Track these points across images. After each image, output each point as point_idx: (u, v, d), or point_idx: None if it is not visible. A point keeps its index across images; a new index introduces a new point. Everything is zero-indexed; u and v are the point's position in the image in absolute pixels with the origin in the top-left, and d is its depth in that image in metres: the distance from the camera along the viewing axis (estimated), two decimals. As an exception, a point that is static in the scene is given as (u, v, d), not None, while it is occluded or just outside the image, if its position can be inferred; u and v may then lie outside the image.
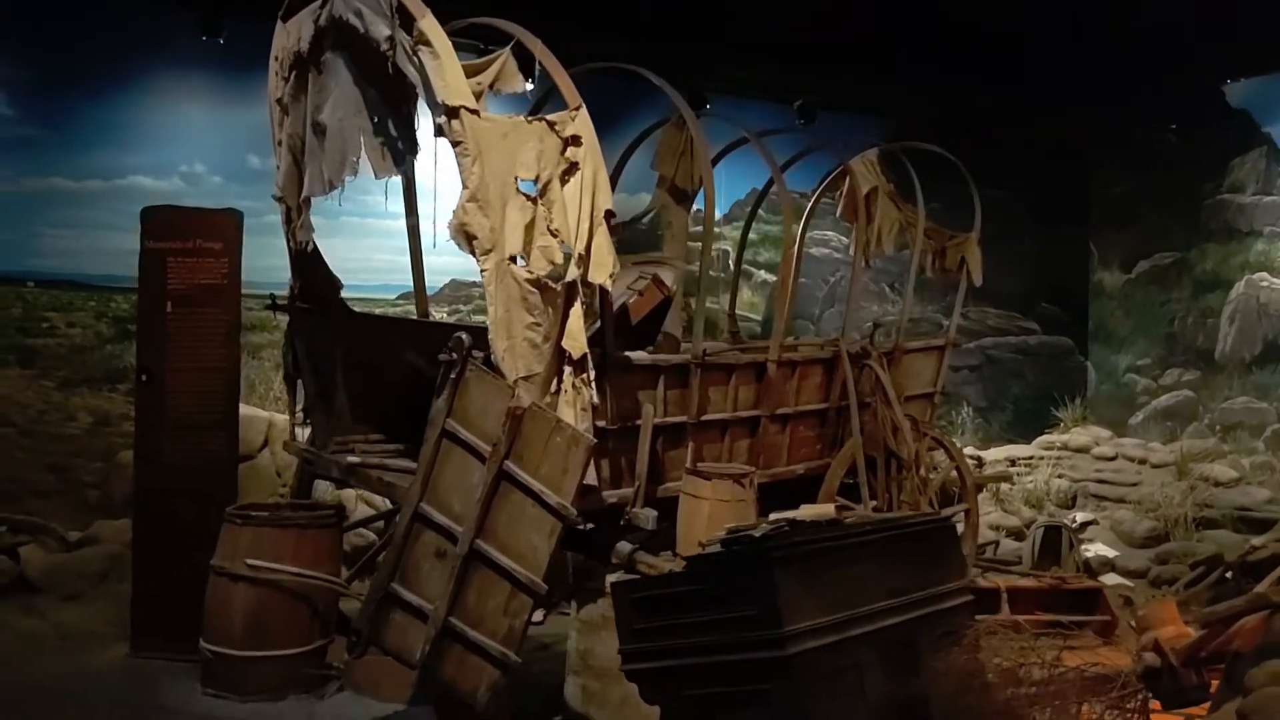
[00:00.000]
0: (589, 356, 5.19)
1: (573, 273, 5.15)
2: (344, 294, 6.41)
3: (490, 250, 4.89)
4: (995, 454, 11.41)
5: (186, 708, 5.85)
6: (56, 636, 7.05)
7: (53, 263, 8.58)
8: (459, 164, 4.82)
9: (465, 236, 4.84)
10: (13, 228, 8.48)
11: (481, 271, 4.90)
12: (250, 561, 5.86)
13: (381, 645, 5.27)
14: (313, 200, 5.40)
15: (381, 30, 4.89)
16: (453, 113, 4.75)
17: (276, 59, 5.55)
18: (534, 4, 8.68)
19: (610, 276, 5.32)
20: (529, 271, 4.99)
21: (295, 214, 5.53)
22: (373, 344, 6.28)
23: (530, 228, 5.04)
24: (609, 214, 5.33)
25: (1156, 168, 11.74)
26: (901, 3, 10.27)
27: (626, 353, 5.96)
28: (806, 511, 4.35)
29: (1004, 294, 11.89)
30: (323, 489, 7.82)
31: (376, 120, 5.16)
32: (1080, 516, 10.75)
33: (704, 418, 6.39)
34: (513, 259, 4.99)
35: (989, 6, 10.26)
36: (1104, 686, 3.60)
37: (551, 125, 5.16)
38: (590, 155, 5.26)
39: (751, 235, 10.29)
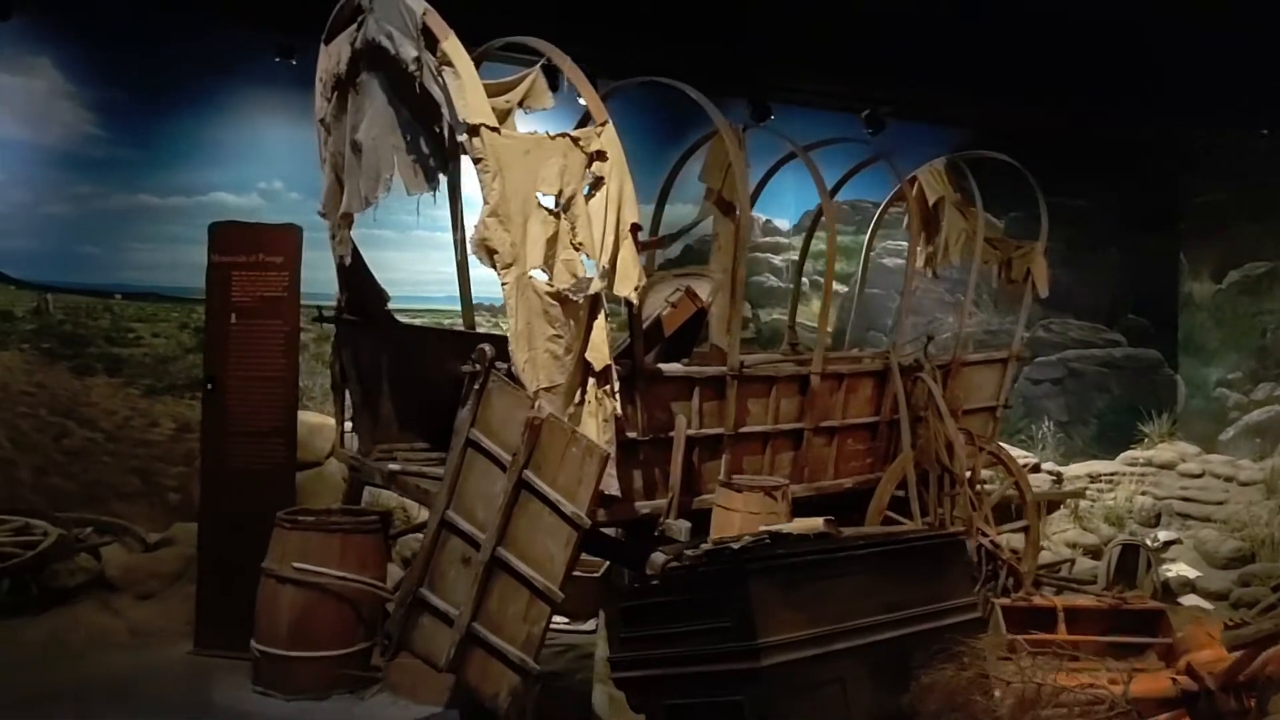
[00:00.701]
0: (611, 368, 5.25)
1: (597, 286, 5.23)
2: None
3: (511, 264, 4.99)
4: (1076, 469, 11.13)
5: (235, 705, 6.09)
6: (128, 633, 7.41)
7: (139, 276, 9.00)
8: (480, 180, 4.93)
9: (486, 251, 4.95)
10: (102, 243, 8.93)
11: (502, 285, 5.01)
12: (296, 565, 6.09)
13: (411, 649, 5.39)
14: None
15: (409, 51, 5.04)
16: (473, 131, 4.86)
17: (321, 80, 5.76)
18: (602, 15, 8.88)
19: (635, 289, 5.37)
20: (550, 285, 5.08)
21: (336, 230, 5.72)
22: (417, 354, 6.45)
23: (553, 242, 5.13)
24: (635, 227, 5.39)
25: (1247, 175, 11.31)
26: (979, 11, 10.13)
27: (659, 365, 6.02)
28: (796, 525, 4.34)
29: (1088, 305, 11.61)
30: (385, 497, 8.04)
31: (409, 139, 5.31)
32: (1163, 535, 10.43)
33: (742, 430, 6.40)
34: (534, 273, 5.09)
35: (1070, 13, 10.05)
36: (1094, 708, 3.51)
37: (576, 141, 5.25)
38: (616, 170, 5.33)
39: (822, 246, 10.24)
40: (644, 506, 5.92)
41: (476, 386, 5.12)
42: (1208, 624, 6.27)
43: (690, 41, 9.58)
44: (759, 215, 10.69)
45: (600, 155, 5.31)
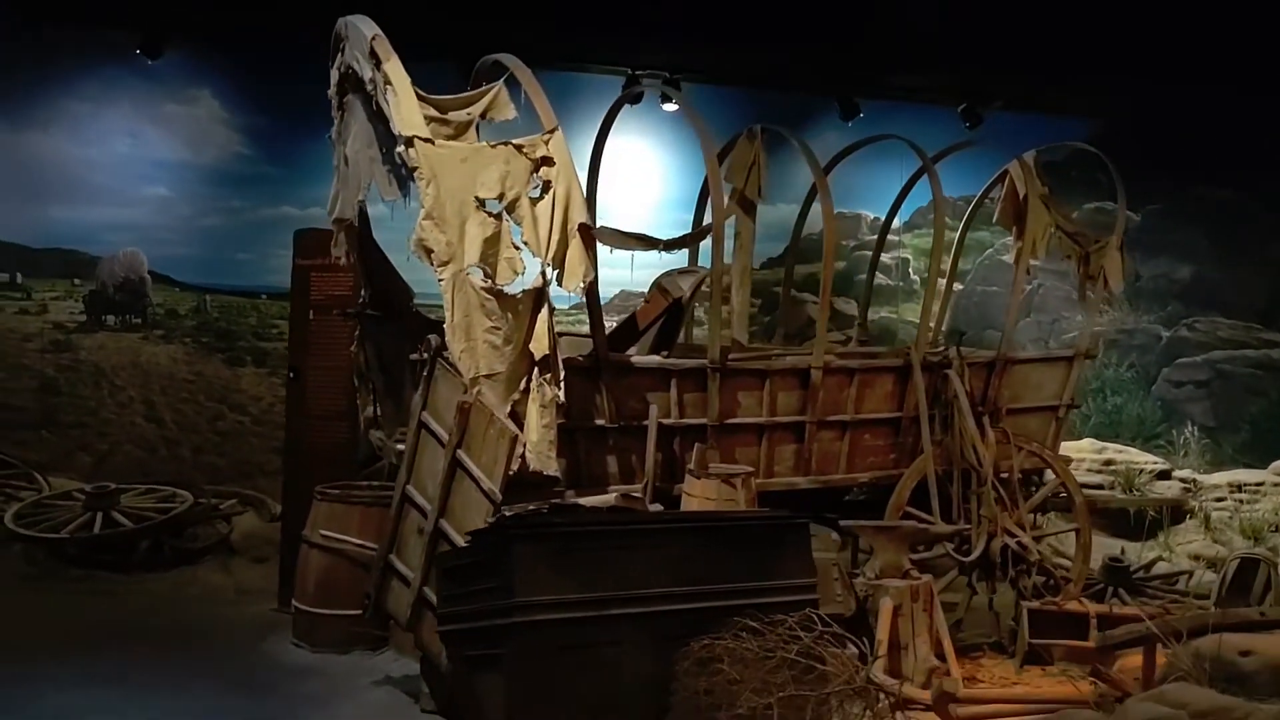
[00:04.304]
0: (552, 358, 5.64)
1: (538, 280, 5.65)
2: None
3: (447, 262, 5.49)
4: (1218, 478, 10.39)
5: (274, 653, 6.92)
6: (235, 591, 8.48)
7: (281, 279, 10.07)
8: (418, 186, 5.47)
9: (423, 250, 5.48)
10: (251, 249, 10.17)
11: (439, 281, 5.52)
12: (323, 532, 6.84)
13: (385, 609, 6.01)
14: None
15: (367, 73, 5.66)
16: (408, 142, 5.41)
17: (331, 100, 6.49)
18: (694, 20, 9.23)
19: (582, 283, 5.75)
20: (485, 281, 5.54)
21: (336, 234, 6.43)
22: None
23: (493, 241, 5.59)
24: (584, 227, 5.77)
25: None
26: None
27: (632, 356, 6.34)
28: (590, 500, 4.58)
29: (1239, 303, 10.78)
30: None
31: (384, 151, 5.91)
32: (1305, 551, 9.57)
33: (729, 421, 6.61)
34: (472, 270, 5.56)
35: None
36: (821, 683, 3.60)
37: (520, 148, 5.68)
38: (563, 174, 5.74)
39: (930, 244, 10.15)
40: (617, 490, 6.26)
41: (425, 374, 5.67)
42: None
43: (785, 41, 9.76)
44: (867, 214, 10.68)
45: (547, 161, 5.73)
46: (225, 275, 10.18)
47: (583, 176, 7.62)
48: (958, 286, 10.70)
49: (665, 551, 4.12)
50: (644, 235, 7.25)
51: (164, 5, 9.29)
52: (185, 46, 9.84)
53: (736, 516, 4.71)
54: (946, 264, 9.57)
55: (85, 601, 7.92)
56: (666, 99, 9.17)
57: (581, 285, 5.75)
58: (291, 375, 8.07)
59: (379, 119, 5.88)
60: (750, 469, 6.24)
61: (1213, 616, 4.90)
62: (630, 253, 7.38)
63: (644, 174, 10.59)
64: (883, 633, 6.06)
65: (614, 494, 5.21)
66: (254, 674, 6.49)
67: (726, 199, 7.87)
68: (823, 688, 3.55)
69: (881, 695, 3.71)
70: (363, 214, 6.55)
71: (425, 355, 5.66)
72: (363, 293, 7.05)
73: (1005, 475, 7.27)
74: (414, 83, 5.56)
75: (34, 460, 9.67)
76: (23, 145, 9.82)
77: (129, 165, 10.02)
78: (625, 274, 7.44)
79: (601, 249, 7.54)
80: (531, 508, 4.01)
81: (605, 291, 9.27)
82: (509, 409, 5.56)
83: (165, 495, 9.24)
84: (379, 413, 7.08)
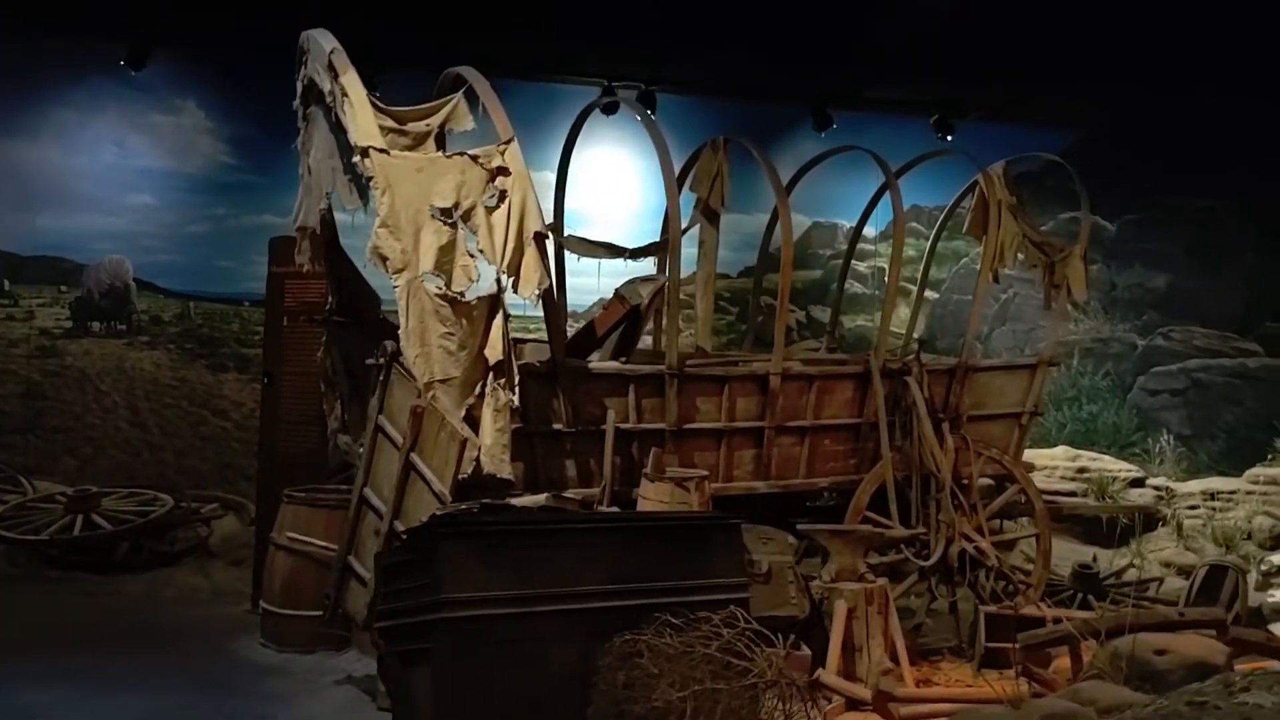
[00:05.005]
0: (507, 363, 5.77)
1: (493, 287, 5.77)
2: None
3: (402, 269, 5.61)
4: (1192, 486, 10.45)
5: (242, 653, 7.04)
6: (210, 592, 8.61)
7: (263, 286, 10.28)
8: (374, 195, 5.61)
9: (379, 257, 5.60)
10: (234, 257, 10.33)
11: (394, 288, 5.64)
12: (289, 534, 6.97)
13: (344, 609, 6.13)
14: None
15: (327, 85, 5.80)
16: (364, 153, 5.55)
17: (296, 110, 6.63)
18: (672, 31, 9.35)
19: (537, 290, 5.87)
20: (439, 288, 5.66)
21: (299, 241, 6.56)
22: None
23: (448, 249, 5.71)
24: (539, 235, 5.89)
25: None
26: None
27: (590, 362, 6.47)
28: (521, 500, 4.69)
29: (1216, 312, 10.84)
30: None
31: (345, 161, 6.05)
32: (1277, 559, 9.64)
33: (687, 426, 6.72)
34: (430, 277, 5.69)
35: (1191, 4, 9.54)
36: (740, 678, 3.70)
37: (475, 159, 5.81)
38: (519, 184, 5.86)
39: (911, 252, 10.30)
40: (575, 494, 6.37)
41: (381, 379, 5.80)
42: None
43: (761, 53, 9.89)
44: (844, 223, 10.80)
45: (503, 170, 5.86)
46: (209, 282, 10.33)
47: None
48: (934, 295, 10.82)
49: (594, 550, 4.23)
50: (610, 244, 7.39)
51: (149, 16, 9.44)
52: (170, 57, 10.00)
53: (665, 516, 4.82)
54: (915, 272, 9.72)
55: (63, 602, 8.06)
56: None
57: (537, 292, 5.86)
58: (266, 380, 8.21)
59: (339, 130, 6.01)
60: (704, 473, 6.35)
61: (1130, 616, 4.99)
62: (597, 260, 7.54)
63: (624, 183, 10.72)
64: (837, 635, 6.15)
65: (545, 495, 5.33)
66: (219, 673, 6.62)
67: (692, 208, 8.01)
68: (738, 682, 3.66)
69: (796, 690, 3.81)
70: (331, 222, 6.69)
71: (381, 361, 5.78)
72: (330, 299, 7.17)
73: (965, 481, 7.36)
74: (397, 93, 5.69)
75: (20, 464, 9.83)
76: (11, 154, 9.99)
77: (115, 174, 10.19)
78: (593, 281, 7.60)
79: (570, 257, 7.72)
80: (463, 507, 4.12)
81: (583, 299, 9.51)
82: (464, 413, 5.68)
83: (146, 499, 9.37)
84: (346, 418, 7.19)
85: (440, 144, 6.43)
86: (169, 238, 10.25)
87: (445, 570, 3.93)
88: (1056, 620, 6.56)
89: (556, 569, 4.13)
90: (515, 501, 4.72)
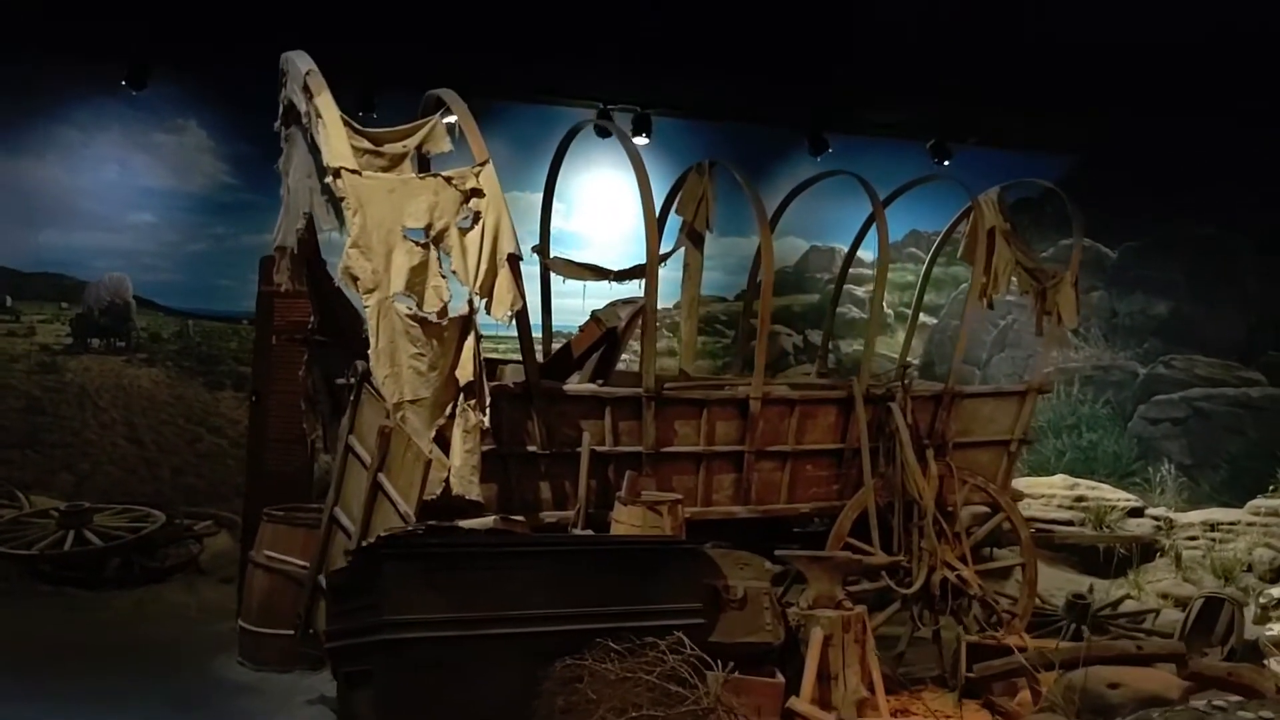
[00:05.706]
0: (478, 384, 5.76)
1: (464, 309, 5.78)
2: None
3: (373, 290, 5.63)
4: (1193, 517, 10.32)
5: (219, 671, 7.05)
6: (197, 609, 8.62)
7: (259, 305, 10.38)
8: (345, 216, 5.63)
9: (350, 278, 5.62)
10: (233, 276, 10.36)
11: (364, 308, 5.66)
12: (266, 552, 6.98)
13: (315, 628, 6.12)
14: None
15: (303, 107, 5.84)
16: (336, 173, 5.57)
17: (278, 131, 6.67)
18: (667, 54, 9.38)
19: (510, 312, 5.86)
20: (409, 309, 5.67)
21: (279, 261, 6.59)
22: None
23: (420, 269, 5.73)
24: (512, 257, 5.89)
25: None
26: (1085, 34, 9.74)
27: (566, 384, 6.46)
28: (468, 523, 4.67)
29: (1218, 340, 10.71)
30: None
31: (323, 181, 6.08)
32: (1277, 592, 9.50)
33: (665, 450, 6.70)
34: (402, 298, 5.70)
35: (1191, 29, 9.48)
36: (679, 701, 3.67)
37: (449, 180, 5.83)
38: (493, 205, 5.88)
39: (911, 277, 10.26)
40: (550, 516, 6.37)
41: (351, 398, 5.81)
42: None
43: (756, 76, 9.90)
44: (841, 247, 10.76)
45: (477, 192, 5.87)
46: (208, 300, 10.39)
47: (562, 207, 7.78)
48: (933, 320, 10.75)
49: (540, 573, 4.21)
50: (595, 266, 7.38)
51: (151, 37, 9.54)
52: (172, 76, 10.09)
53: (614, 540, 4.79)
54: (908, 298, 9.66)
55: (49, 617, 8.10)
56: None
57: (509, 314, 5.86)
58: (254, 399, 8.25)
59: (316, 150, 6.05)
60: (678, 496, 6.32)
61: (1085, 649, 4.91)
62: (582, 283, 7.54)
63: (622, 206, 10.70)
64: (812, 663, 6.10)
65: (493, 517, 5.31)
66: (194, 690, 6.63)
67: (679, 231, 8.01)
68: (677, 709, 3.62)
69: (734, 717, 3.77)
70: (313, 241, 6.72)
71: (352, 380, 5.79)
72: (312, 319, 7.20)
73: (950, 508, 7.30)
74: (397, 114, 5.71)
75: (17, 479, 9.89)
76: (16, 171, 10.10)
77: (117, 192, 10.27)
78: (579, 302, 7.58)
79: (555, 279, 7.73)
80: (409, 529, 4.11)
81: (571, 320, 9.51)
82: (434, 434, 5.68)
83: (139, 515, 9.42)
84: (328, 437, 7.21)
85: (425, 167, 6.48)
86: (169, 256, 10.33)
87: (388, 592, 3.93)
88: (1020, 649, 6.50)
89: (501, 592, 4.11)
90: (462, 524, 4.72)
